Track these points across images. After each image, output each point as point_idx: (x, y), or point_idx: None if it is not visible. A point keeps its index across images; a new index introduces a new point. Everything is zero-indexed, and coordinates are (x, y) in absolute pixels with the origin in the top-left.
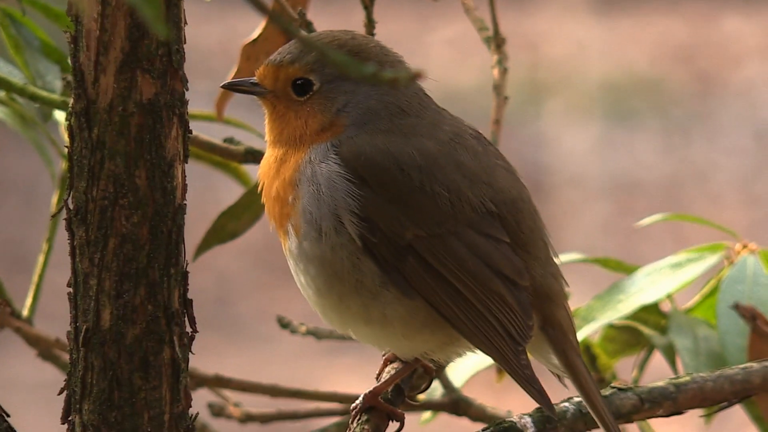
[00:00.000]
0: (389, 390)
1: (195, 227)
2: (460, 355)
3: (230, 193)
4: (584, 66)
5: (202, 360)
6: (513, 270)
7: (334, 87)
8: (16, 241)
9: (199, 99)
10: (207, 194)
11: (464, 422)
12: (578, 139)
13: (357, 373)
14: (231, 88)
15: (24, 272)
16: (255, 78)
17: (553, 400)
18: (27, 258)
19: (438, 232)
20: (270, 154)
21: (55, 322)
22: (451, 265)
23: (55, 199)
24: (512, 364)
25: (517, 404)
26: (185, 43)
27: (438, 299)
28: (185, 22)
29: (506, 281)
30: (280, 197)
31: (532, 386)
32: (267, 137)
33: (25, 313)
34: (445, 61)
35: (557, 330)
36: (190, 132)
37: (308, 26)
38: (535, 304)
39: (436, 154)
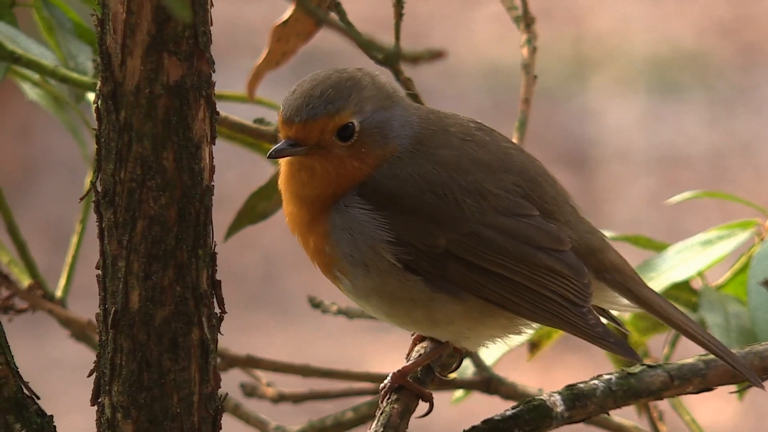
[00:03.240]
0: (419, 370)
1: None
2: (525, 332)
3: None
4: (629, 40)
5: (250, 337)
6: (551, 239)
7: (374, 120)
8: (59, 220)
9: (244, 76)
10: (258, 174)
11: (495, 400)
12: (623, 113)
13: (404, 351)
14: (276, 156)
15: (68, 252)
16: (291, 139)
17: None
18: (71, 238)
19: (469, 230)
20: (295, 211)
21: (96, 301)
22: (491, 256)
23: (88, 180)
24: (581, 328)
25: (561, 380)
26: (212, 24)
27: (489, 292)
28: (212, 4)
29: (548, 251)
30: (318, 249)
31: (608, 341)
32: (293, 189)
33: (58, 293)
34: (489, 37)
35: (613, 272)
36: (217, 113)
37: (337, 7)
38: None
39: (455, 161)
